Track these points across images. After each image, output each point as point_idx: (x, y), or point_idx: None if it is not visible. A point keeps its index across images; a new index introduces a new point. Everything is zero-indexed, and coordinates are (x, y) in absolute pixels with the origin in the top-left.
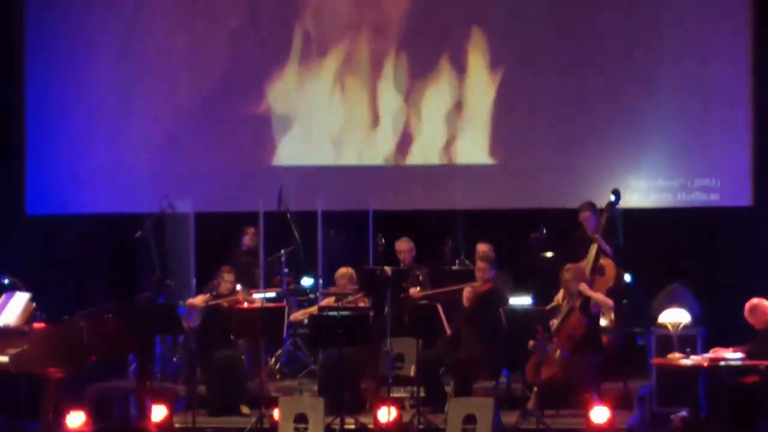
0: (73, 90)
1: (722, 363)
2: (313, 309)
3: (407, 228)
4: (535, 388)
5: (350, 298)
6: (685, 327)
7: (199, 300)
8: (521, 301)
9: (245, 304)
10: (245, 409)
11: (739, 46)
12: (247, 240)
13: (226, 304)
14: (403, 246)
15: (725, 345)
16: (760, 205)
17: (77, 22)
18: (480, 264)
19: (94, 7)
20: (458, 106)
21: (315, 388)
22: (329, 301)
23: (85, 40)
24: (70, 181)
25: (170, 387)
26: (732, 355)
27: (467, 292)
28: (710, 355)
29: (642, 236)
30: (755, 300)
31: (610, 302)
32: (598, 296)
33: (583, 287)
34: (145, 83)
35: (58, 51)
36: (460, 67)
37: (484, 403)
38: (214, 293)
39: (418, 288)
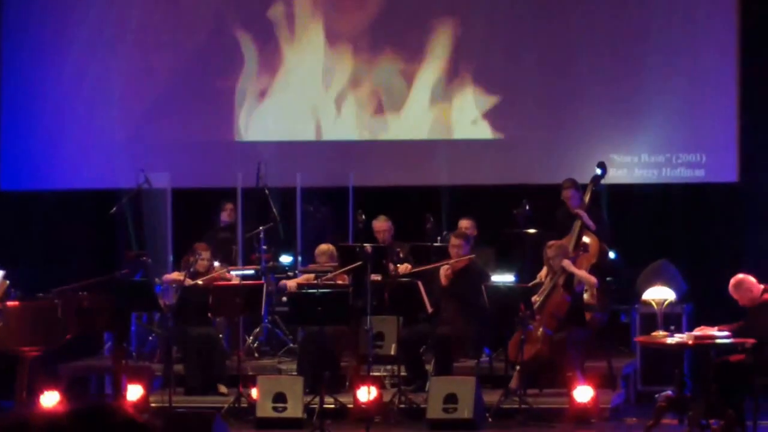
0: (47, 64)
1: (708, 341)
2: (310, 276)
3: (388, 204)
4: (518, 367)
5: (329, 275)
6: (670, 304)
7: (176, 276)
8: (504, 278)
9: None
10: (223, 388)
11: (726, 20)
12: (225, 216)
13: (201, 282)
14: (381, 226)
15: (711, 322)
16: (745, 181)
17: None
18: (454, 240)
19: None
20: (440, 81)
21: (294, 366)
22: (308, 278)
23: (60, 13)
24: (44, 156)
25: (146, 366)
26: (718, 334)
27: (445, 269)
28: (696, 333)
29: (627, 212)
30: (740, 276)
31: (593, 280)
32: (582, 273)
33: (567, 264)
34: (122, 57)
35: (32, 24)
36: (442, 41)
37: (466, 382)
38: (191, 270)
39: (409, 266)
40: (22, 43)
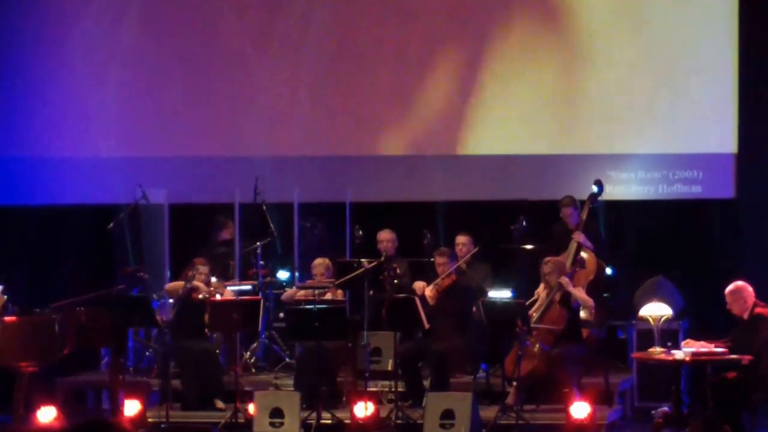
0: (43, 76)
1: (704, 358)
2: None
3: (385, 219)
4: (515, 383)
5: (327, 289)
6: (667, 320)
7: (178, 283)
8: (501, 293)
9: (217, 296)
10: (220, 404)
11: (724, 39)
12: (226, 234)
13: (201, 297)
14: (386, 236)
15: (708, 338)
16: (742, 197)
17: (47, 5)
18: (439, 259)
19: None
20: (438, 97)
21: (291, 382)
22: (305, 293)
23: (56, 26)
24: (41, 171)
25: (143, 381)
26: (690, 349)
27: (429, 290)
28: (692, 349)
29: (623, 229)
30: (740, 282)
31: (590, 303)
32: (579, 294)
33: (565, 282)
34: (119, 71)
35: (28, 37)
36: (441, 59)
37: (463, 398)
38: (189, 285)
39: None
40: (17, 54)
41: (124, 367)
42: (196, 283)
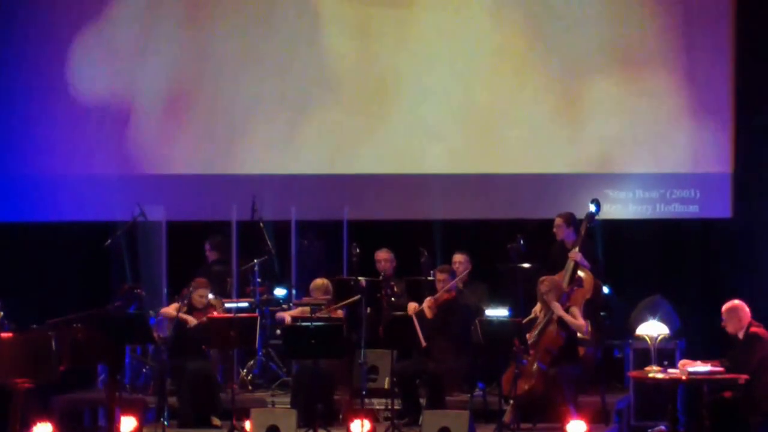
0: (42, 94)
1: (701, 377)
2: (306, 309)
3: (383, 238)
4: (512, 401)
5: (325, 309)
6: (664, 340)
7: (172, 309)
8: (498, 312)
9: (214, 314)
10: (216, 421)
11: (722, 57)
12: (210, 255)
13: (196, 321)
14: (384, 256)
15: (704, 357)
16: (739, 217)
17: (44, 26)
18: (439, 275)
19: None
20: (436, 116)
21: (287, 399)
22: (304, 310)
23: (52, 45)
24: (40, 188)
25: (140, 398)
26: (702, 368)
27: (428, 302)
28: (703, 369)
29: (621, 248)
30: (737, 301)
31: (583, 326)
32: (570, 319)
33: (557, 307)
34: (118, 87)
35: (29, 50)
36: (439, 76)
37: (459, 416)
38: (186, 302)
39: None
40: (14, 71)
41: (121, 385)
42: (182, 316)
